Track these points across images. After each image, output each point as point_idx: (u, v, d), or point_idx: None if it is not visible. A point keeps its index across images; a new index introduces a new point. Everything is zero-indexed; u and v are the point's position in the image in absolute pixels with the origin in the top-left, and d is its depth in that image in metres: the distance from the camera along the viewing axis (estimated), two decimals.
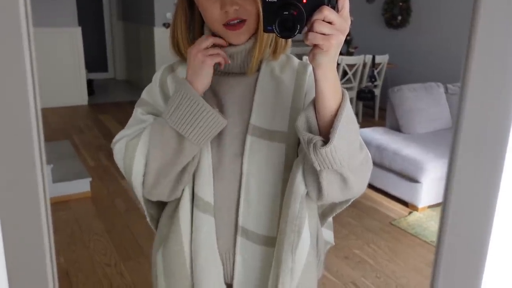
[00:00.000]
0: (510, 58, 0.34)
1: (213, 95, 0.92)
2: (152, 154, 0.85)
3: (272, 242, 0.92)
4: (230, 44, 0.87)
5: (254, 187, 0.90)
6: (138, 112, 0.96)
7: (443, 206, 0.46)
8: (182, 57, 0.93)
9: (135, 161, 0.86)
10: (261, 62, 0.91)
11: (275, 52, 0.91)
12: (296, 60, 0.96)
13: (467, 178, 0.41)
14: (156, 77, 0.96)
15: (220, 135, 0.89)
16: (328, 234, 1.07)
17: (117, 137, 0.94)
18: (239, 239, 0.92)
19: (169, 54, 0.97)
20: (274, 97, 0.90)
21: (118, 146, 0.90)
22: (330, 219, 1.04)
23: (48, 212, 0.30)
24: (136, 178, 0.88)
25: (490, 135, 0.39)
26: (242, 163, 0.89)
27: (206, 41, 0.83)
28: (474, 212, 0.42)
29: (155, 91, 0.95)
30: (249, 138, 0.88)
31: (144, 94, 0.97)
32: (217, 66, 0.90)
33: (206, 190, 0.90)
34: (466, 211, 0.42)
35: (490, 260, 0.44)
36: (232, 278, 0.95)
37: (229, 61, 0.87)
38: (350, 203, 0.92)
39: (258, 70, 0.91)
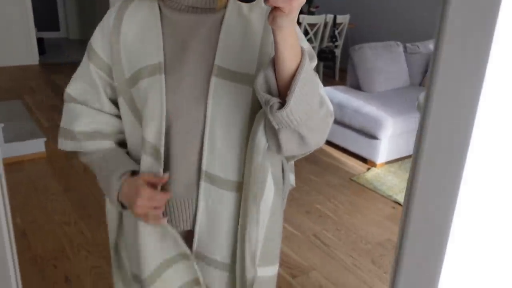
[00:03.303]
0: (481, 42, 0.35)
1: (172, 35, 0.86)
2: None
3: (239, 187, 0.89)
4: None
5: (219, 131, 0.86)
6: (90, 67, 0.92)
7: (404, 206, 0.49)
8: None
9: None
10: None
11: None
12: None
13: (431, 173, 0.44)
14: (109, 24, 0.89)
15: (179, 80, 0.85)
16: (290, 177, 1.08)
17: (67, 91, 0.97)
18: (202, 184, 0.89)
19: None
20: (241, 38, 0.86)
21: (65, 107, 0.98)
22: (292, 162, 1.05)
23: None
24: None
25: (453, 130, 0.41)
26: (206, 107, 0.85)
27: (146, 195, 0.85)
28: (436, 210, 0.45)
29: (104, 41, 0.89)
30: (213, 80, 0.84)
31: (95, 42, 0.91)
32: (178, 1, 0.86)
33: (156, 136, 0.86)
34: (428, 208, 0.45)
35: (448, 260, 0.47)
36: (193, 224, 0.93)
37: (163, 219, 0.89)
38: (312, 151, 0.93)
39: (225, 7, 0.87)
